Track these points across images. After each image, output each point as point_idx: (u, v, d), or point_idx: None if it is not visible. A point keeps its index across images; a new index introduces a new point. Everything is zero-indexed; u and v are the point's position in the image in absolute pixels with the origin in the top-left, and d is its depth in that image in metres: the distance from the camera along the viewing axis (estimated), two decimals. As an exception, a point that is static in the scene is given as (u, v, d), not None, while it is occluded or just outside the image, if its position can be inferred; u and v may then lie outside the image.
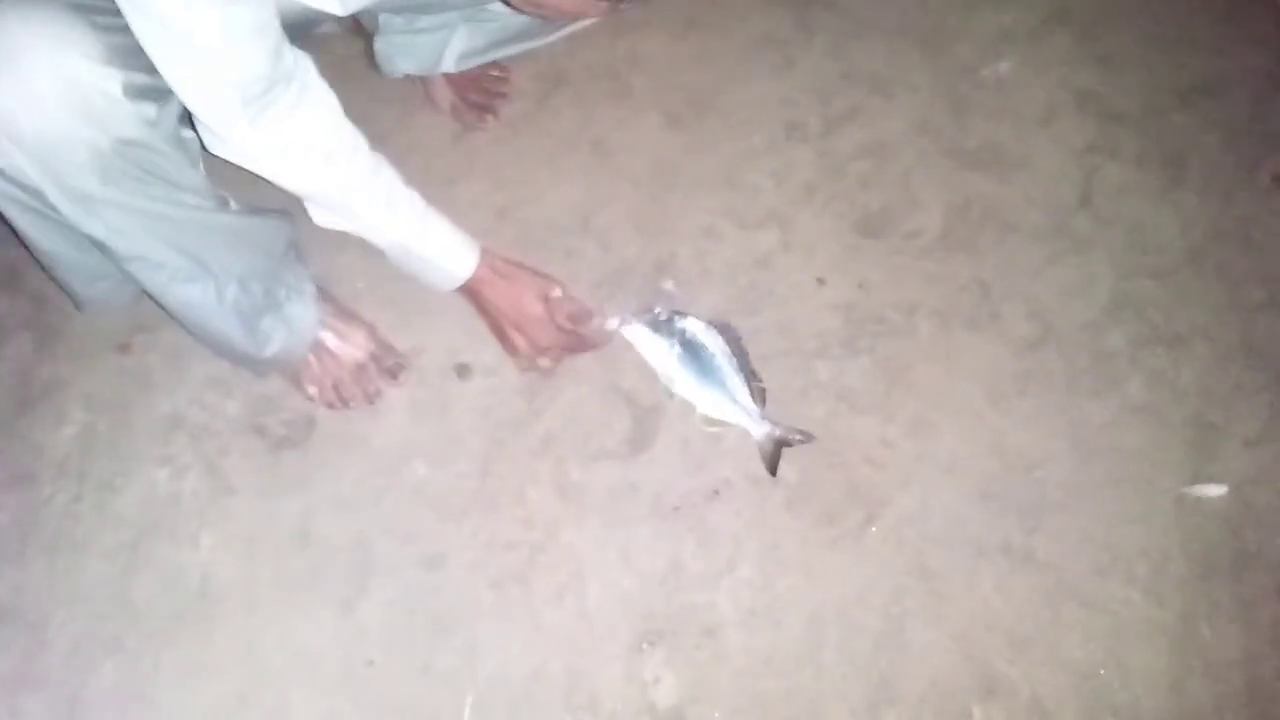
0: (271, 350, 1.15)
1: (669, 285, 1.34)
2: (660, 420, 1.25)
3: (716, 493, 1.20)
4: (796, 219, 1.40)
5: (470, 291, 1.22)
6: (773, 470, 1.20)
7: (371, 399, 1.25)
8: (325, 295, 1.24)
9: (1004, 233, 1.39)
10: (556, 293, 1.23)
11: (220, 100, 0.91)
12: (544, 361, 1.26)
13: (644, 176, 1.43)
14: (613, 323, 1.26)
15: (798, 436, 1.22)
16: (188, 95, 0.91)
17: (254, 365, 1.21)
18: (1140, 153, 1.47)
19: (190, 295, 1.06)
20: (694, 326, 1.26)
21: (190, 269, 1.04)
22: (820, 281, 1.35)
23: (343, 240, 1.31)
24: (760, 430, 1.22)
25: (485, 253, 1.19)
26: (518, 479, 1.21)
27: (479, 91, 1.48)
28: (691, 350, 1.25)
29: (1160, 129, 1.49)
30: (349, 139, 1.04)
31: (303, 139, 0.99)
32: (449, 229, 1.16)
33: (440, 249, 1.17)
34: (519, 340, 1.24)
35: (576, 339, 1.25)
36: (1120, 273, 1.36)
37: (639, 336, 1.26)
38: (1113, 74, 1.55)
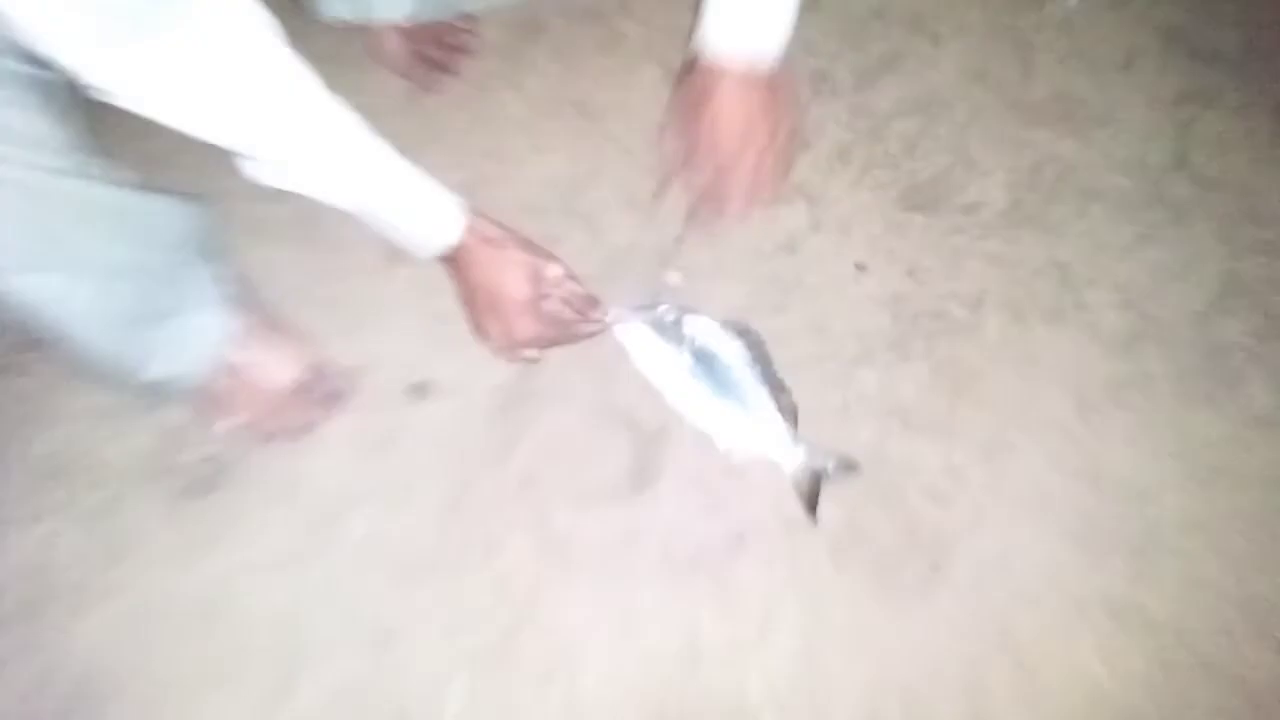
0: (154, 372, 0.90)
1: (674, 277, 1.09)
2: (667, 449, 1.00)
3: (741, 540, 0.95)
4: (828, 192, 1.15)
5: (449, 261, 0.97)
6: (812, 509, 0.96)
7: (304, 432, 1.00)
8: (246, 300, 0.99)
9: (1084, 203, 1.14)
10: (554, 271, 0.97)
11: (72, 31, 0.66)
12: (529, 352, 1.01)
13: (639, 144, 1.17)
14: (609, 315, 1.02)
15: (840, 466, 0.97)
16: (29, 27, 0.65)
17: (138, 391, 0.94)
18: (1243, 101, 1.21)
19: (33, 291, 0.80)
20: (706, 328, 1.01)
21: (29, 254, 0.77)
22: (860, 268, 1.10)
23: (269, 225, 1.08)
24: (793, 459, 0.97)
25: (473, 215, 0.94)
26: (489, 530, 0.96)
27: (438, 46, 1.22)
28: (704, 359, 1.00)
29: (1264, 71, 1.23)
30: (280, 74, 0.78)
31: (204, 73, 0.73)
32: (427, 188, 0.91)
33: (414, 213, 0.91)
34: (493, 327, 0.99)
35: (563, 330, 1.00)
36: (1229, 248, 1.11)
37: (639, 341, 1.01)
38: (1203, 6, 1.29)
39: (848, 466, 0.97)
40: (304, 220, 1.10)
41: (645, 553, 0.95)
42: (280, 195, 0.87)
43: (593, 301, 1.00)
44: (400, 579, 0.94)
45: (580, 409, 1.02)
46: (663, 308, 1.02)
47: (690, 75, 1.02)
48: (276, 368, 0.99)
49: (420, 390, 1.03)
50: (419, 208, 0.91)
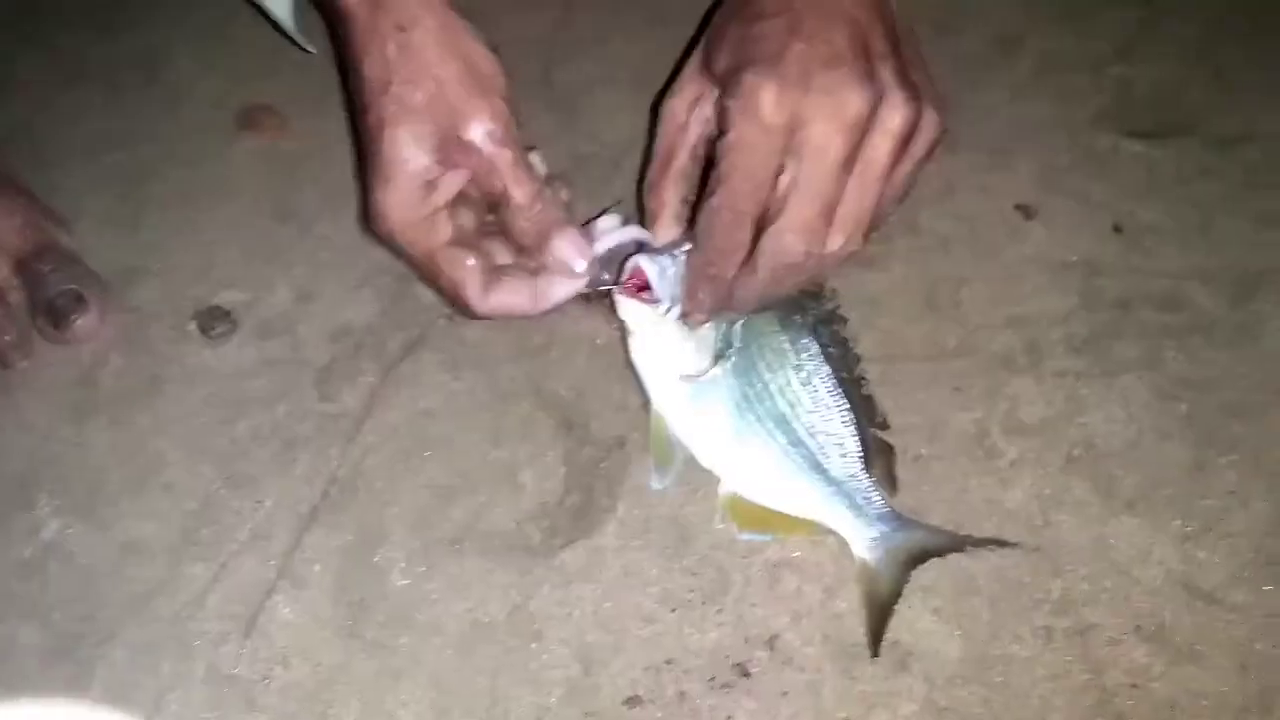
0: None
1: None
2: (625, 473, 0.56)
3: (742, 667, 0.51)
4: (980, 95, 0.71)
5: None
6: (875, 631, 0.50)
7: (5, 361, 0.61)
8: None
9: None
10: (477, 130, 0.52)
11: None
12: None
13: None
14: (591, 265, 0.56)
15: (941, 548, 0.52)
16: None
17: None
18: None
19: None
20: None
21: None
22: (1026, 214, 0.66)
23: (96, 60, 0.77)
24: (868, 535, 0.52)
25: None
26: (270, 597, 0.54)
27: None
28: (751, 345, 0.56)
29: None
30: None
31: None
32: None
33: None
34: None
35: (444, 278, 0.55)
36: None
37: (645, 320, 0.56)
38: None
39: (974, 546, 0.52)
40: (146, 59, 0.76)
41: (555, 646, 0.51)
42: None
43: (553, 221, 0.55)
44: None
45: (487, 384, 0.60)
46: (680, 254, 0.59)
47: None
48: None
49: (216, 321, 0.62)
50: None
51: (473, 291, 0.54)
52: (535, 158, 0.57)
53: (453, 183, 0.53)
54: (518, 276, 0.55)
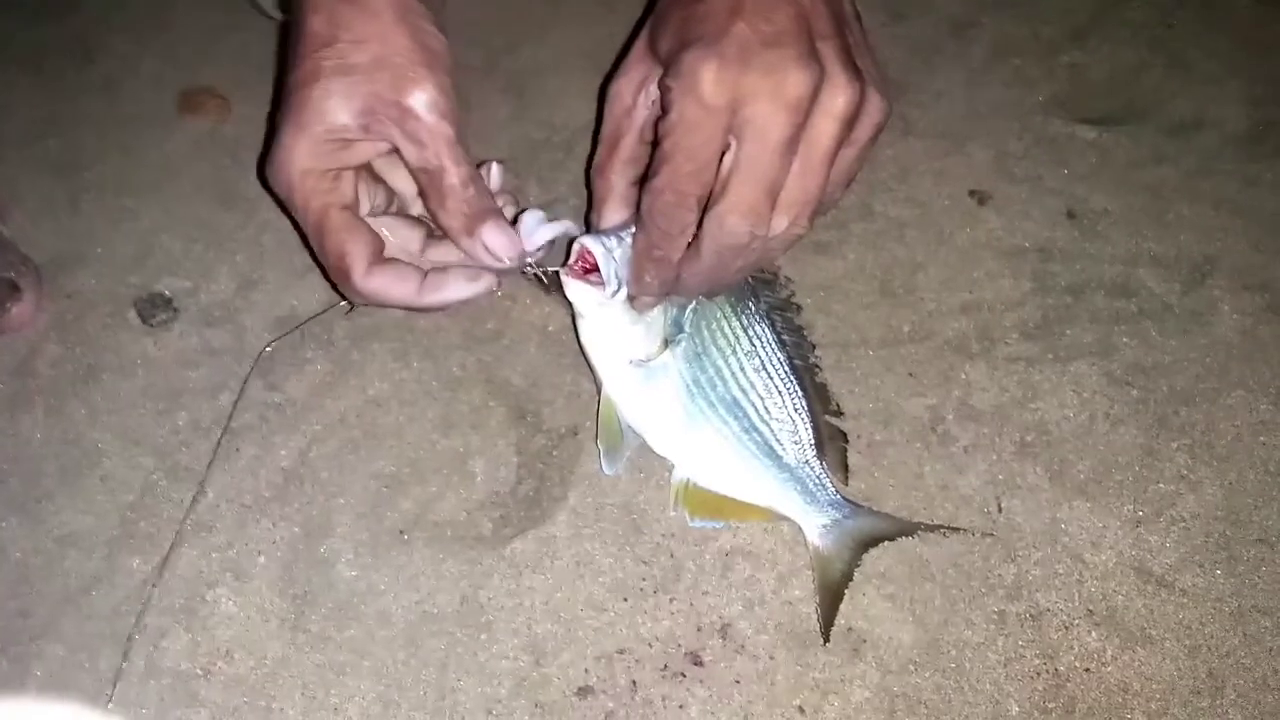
0: None
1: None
2: (577, 462, 0.56)
3: (695, 655, 0.51)
4: (932, 80, 0.71)
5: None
6: (827, 617, 0.51)
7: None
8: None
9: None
10: (420, 99, 0.51)
11: None
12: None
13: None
14: (510, 249, 0.54)
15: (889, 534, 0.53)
16: None
17: None
18: None
19: None
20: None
21: None
22: (980, 200, 0.67)
23: (35, 44, 0.75)
24: (821, 522, 0.53)
25: None
26: (209, 587, 0.53)
27: None
28: (700, 336, 0.56)
29: None
30: None
31: None
32: None
33: None
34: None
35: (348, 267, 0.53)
36: None
37: (592, 303, 0.55)
38: None
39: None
40: (80, 43, 0.75)
41: (505, 638, 0.51)
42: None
43: (485, 211, 0.53)
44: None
45: (437, 372, 0.59)
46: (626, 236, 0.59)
47: None
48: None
49: (156, 309, 0.61)
50: None
51: (358, 264, 0.52)
52: (496, 170, 0.57)
53: (366, 150, 0.52)
54: (410, 266, 0.54)
